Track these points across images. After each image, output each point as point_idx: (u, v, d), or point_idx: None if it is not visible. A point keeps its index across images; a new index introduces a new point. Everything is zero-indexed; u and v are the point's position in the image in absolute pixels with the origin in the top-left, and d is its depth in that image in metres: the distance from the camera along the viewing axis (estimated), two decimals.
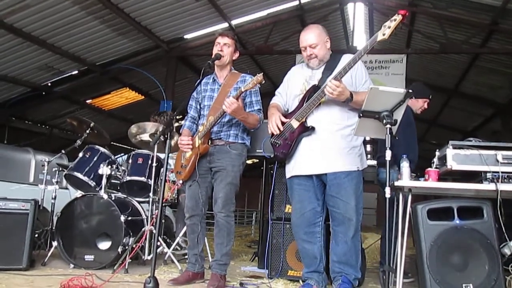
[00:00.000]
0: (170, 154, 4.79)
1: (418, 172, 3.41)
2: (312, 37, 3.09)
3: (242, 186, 3.35)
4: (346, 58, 3.04)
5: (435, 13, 8.50)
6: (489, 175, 2.85)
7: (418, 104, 4.23)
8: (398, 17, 2.72)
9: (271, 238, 3.78)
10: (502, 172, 2.83)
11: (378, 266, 4.35)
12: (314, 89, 3.04)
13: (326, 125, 3.02)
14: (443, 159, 3.01)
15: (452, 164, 2.90)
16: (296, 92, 3.17)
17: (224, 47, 3.37)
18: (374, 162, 4.36)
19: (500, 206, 2.75)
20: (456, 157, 2.91)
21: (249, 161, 3.52)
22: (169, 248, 4.12)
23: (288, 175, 3.22)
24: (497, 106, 11.25)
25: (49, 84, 9.59)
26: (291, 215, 3.27)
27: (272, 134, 3.16)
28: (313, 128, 3.03)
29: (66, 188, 5.21)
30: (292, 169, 3.14)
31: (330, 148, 3.01)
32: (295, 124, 3.07)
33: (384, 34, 2.72)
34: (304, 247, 3.15)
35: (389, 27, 2.71)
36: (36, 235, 3.95)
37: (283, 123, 3.08)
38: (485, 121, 12.45)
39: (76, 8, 7.10)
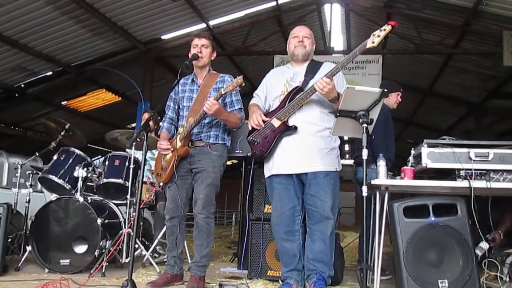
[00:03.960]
0: (150, 152, 4.78)
1: (395, 170, 3.47)
2: (308, 31, 3.28)
3: (222, 187, 3.33)
4: (327, 66, 3.16)
5: (409, 14, 8.66)
6: (462, 173, 2.92)
7: (392, 99, 4.33)
8: (388, 27, 2.77)
9: (250, 239, 3.78)
10: (474, 170, 2.89)
11: (356, 265, 4.40)
12: (297, 90, 3.08)
13: (306, 125, 3.06)
14: (418, 157, 3.06)
15: (427, 162, 2.96)
16: (277, 93, 3.21)
17: (202, 48, 3.35)
18: (351, 161, 4.41)
19: (474, 202, 2.82)
20: (430, 155, 2.97)
21: (228, 162, 3.51)
22: (147, 250, 4.08)
23: (267, 174, 3.22)
24: (470, 106, 11.53)
25: (23, 85, 9.37)
26: (271, 214, 3.27)
27: (250, 132, 3.17)
28: (295, 128, 3.06)
29: (41, 192, 5.10)
30: (272, 168, 3.16)
31: (311, 147, 3.04)
32: (276, 123, 3.08)
33: (373, 42, 2.79)
34: (283, 245, 3.16)
35: (378, 36, 2.77)
36: (9, 240, 3.85)
37: (263, 121, 3.11)
38: (458, 120, 12.74)
39: (49, 8, 6.95)
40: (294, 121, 3.07)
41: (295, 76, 3.19)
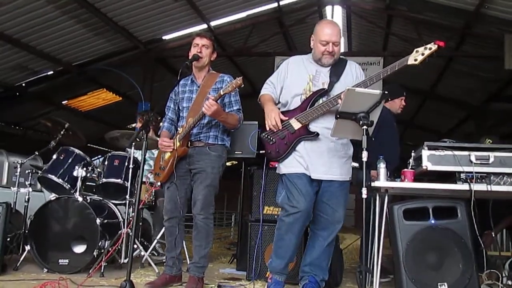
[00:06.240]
0: (150, 152, 4.77)
1: (395, 173, 3.45)
2: (338, 34, 2.99)
3: (221, 188, 3.32)
4: (351, 66, 3.09)
5: (410, 17, 8.65)
6: (463, 176, 2.91)
7: (397, 105, 4.31)
8: (434, 47, 2.72)
9: (250, 240, 3.77)
10: (475, 173, 2.88)
11: (355, 267, 4.38)
12: (321, 93, 2.99)
13: (328, 132, 2.96)
14: (418, 159, 3.05)
15: (427, 164, 2.95)
16: (298, 91, 3.04)
17: (203, 48, 3.33)
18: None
19: (474, 205, 2.81)
20: (431, 157, 2.96)
21: (228, 163, 3.49)
22: (146, 251, 4.07)
23: (284, 171, 3.03)
24: (470, 109, 11.51)
25: (23, 84, 9.36)
26: (289, 207, 2.95)
27: (264, 128, 3.04)
28: (317, 135, 2.96)
29: (41, 191, 5.09)
30: (291, 166, 2.98)
31: (332, 154, 2.99)
32: (296, 125, 2.98)
33: (415, 60, 2.75)
34: (291, 241, 2.98)
35: (422, 54, 2.73)
36: (8, 239, 3.84)
37: (281, 121, 2.97)
38: (459, 123, 12.72)
39: (50, 7, 6.95)
40: (315, 125, 2.98)
41: (318, 75, 3.03)
